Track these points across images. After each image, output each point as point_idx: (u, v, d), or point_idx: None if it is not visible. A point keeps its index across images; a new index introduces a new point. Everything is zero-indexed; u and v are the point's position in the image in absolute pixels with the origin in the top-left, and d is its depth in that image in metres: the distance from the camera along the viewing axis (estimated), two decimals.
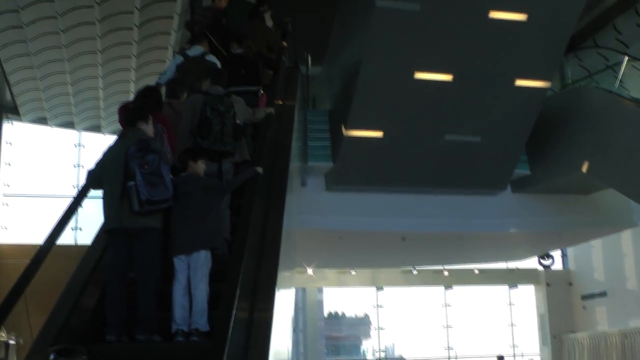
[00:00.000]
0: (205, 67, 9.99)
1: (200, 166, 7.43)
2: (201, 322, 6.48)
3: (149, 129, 7.26)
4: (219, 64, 10.61)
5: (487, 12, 12.84)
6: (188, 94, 9.28)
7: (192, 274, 6.72)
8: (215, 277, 6.79)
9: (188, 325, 6.53)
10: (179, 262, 6.80)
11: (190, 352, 6.38)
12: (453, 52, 13.40)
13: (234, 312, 5.38)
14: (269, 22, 13.55)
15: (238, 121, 8.49)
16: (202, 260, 6.77)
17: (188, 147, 7.97)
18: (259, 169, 7.65)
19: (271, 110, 9.75)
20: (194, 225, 6.90)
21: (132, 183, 6.58)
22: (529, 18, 12.99)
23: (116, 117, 21.41)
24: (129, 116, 7.32)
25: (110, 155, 7.02)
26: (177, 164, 7.59)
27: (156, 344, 6.44)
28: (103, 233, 7.03)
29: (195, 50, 10.92)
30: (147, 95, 8.07)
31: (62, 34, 16.64)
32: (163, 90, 10.15)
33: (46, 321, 6.21)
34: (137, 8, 15.47)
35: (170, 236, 6.97)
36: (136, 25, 16.26)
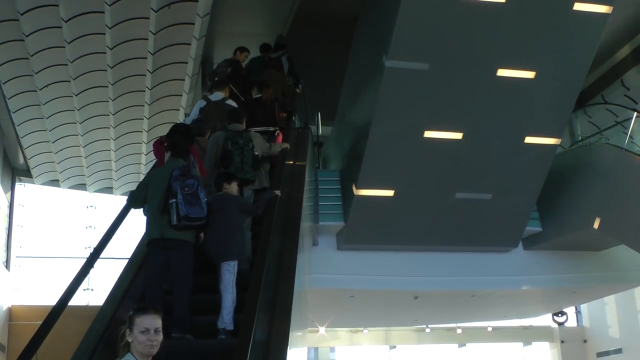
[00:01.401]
0: (226, 110, 10.93)
1: (234, 187, 8.40)
2: (226, 320, 7.32)
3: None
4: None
5: (495, 70, 12.91)
6: (211, 132, 10.33)
7: (220, 281, 7.61)
8: (238, 289, 7.63)
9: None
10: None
11: (218, 348, 7.15)
12: (462, 110, 13.45)
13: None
14: (286, 65, 14.92)
15: (256, 153, 9.67)
16: (231, 269, 7.66)
17: (221, 173, 8.96)
18: (277, 192, 8.67)
19: (286, 145, 10.89)
20: (226, 238, 7.82)
21: (173, 200, 7.60)
22: (537, 75, 13.03)
23: (128, 178, 21.77)
24: (174, 150, 8.34)
25: (155, 177, 8.11)
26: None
27: (188, 340, 7.28)
28: (145, 245, 8.02)
29: (217, 96, 11.89)
30: (185, 133, 8.85)
31: (75, 97, 16.79)
32: None
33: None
34: (149, 71, 15.61)
35: (203, 253, 7.94)
36: (148, 88, 16.39)
